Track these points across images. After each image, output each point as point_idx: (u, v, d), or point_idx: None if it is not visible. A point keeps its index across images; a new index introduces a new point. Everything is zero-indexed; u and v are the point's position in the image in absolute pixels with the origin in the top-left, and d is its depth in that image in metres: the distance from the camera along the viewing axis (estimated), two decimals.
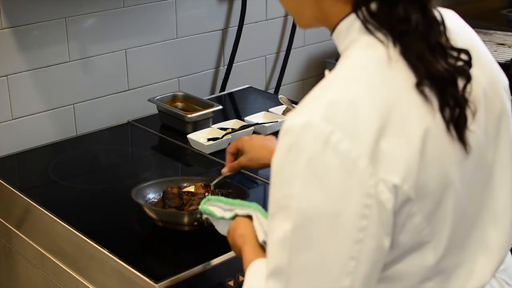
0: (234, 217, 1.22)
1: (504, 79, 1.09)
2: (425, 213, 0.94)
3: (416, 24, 0.92)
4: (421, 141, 0.91)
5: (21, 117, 2.01)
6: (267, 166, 1.53)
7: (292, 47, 2.53)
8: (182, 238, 1.48)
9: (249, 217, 1.19)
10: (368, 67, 0.93)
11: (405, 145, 0.90)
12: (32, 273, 1.73)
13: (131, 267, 1.39)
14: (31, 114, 2.02)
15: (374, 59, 0.93)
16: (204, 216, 1.36)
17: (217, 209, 1.28)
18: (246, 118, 2.06)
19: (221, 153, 1.87)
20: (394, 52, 0.93)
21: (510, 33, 2.77)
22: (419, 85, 0.92)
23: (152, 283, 1.34)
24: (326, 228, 0.88)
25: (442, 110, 0.93)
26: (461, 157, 0.96)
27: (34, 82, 2.00)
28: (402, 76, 0.92)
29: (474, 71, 0.98)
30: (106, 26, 2.09)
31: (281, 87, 2.57)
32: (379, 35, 0.94)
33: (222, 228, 1.27)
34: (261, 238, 1.12)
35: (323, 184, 0.88)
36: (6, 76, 1.95)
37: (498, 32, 2.79)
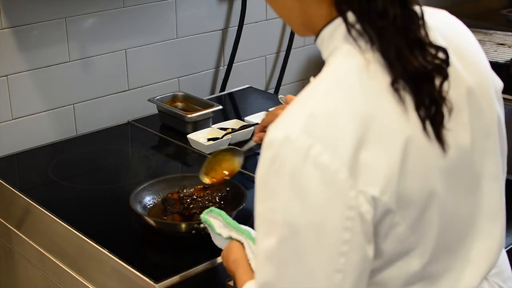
0: (229, 237, 1.24)
1: (497, 82, 1.08)
2: (409, 222, 0.93)
3: (394, 18, 0.91)
4: (402, 151, 0.90)
5: (21, 117, 2.01)
6: None
7: (292, 47, 2.53)
8: (182, 238, 1.48)
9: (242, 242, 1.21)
10: (348, 77, 0.92)
11: (385, 156, 0.89)
12: (32, 273, 1.73)
13: (131, 267, 1.39)
14: (31, 114, 2.02)
15: (353, 68, 0.92)
16: (202, 225, 1.38)
17: (217, 222, 1.30)
18: (246, 118, 2.06)
19: None
20: (372, 55, 0.92)
21: (510, 33, 2.77)
22: (393, 84, 0.91)
23: (152, 283, 1.34)
24: (311, 241, 0.88)
25: (417, 109, 0.92)
26: (442, 159, 0.95)
27: (34, 82, 2.00)
28: (379, 78, 0.91)
29: (458, 71, 0.96)
30: (106, 26, 2.09)
31: (281, 87, 2.57)
32: (361, 42, 0.93)
33: (218, 242, 1.29)
34: (254, 267, 1.12)
35: (305, 197, 0.87)
36: (6, 76, 1.95)
37: (498, 32, 2.78)
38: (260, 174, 0.91)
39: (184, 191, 1.58)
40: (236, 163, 1.64)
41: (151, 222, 1.50)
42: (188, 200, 1.54)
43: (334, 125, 0.88)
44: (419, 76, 0.91)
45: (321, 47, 1.00)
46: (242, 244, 1.20)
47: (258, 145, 1.64)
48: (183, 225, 1.46)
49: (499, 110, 1.07)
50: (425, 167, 0.93)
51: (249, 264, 1.14)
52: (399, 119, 0.91)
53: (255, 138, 1.63)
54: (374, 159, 0.88)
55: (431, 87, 0.92)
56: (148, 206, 1.57)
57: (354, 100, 0.90)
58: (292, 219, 0.88)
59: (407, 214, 0.92)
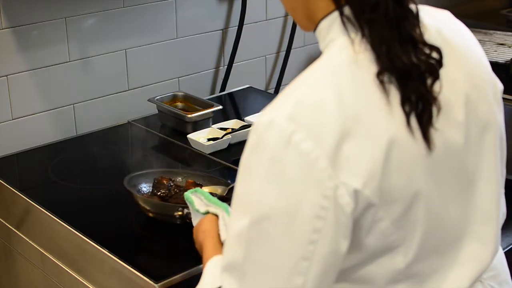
0: (206, 212, 1.25)
1: (498, 85, 1.07)
2: (393, 218, 0.93)
3: (385, 11, 0.91)
4: (386, 147, 0.90)
5: (21, 117, 2.01)
6: None
7: (292, 47, 2.53)
8: (182, 238, 1.48)
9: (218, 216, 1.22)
10: (338, 69, 0.93)
11: (368, 150, 0.89)
12: (32, 273, 1.73)
13: (131, 267, 1.39)
14: (31, 114, 2.02)
15: (345, 60, 0.93)
16: (186, 211, 1.39)
17: (198, 201, 1.31)
18: (246, 118, 2.06)
19: (221, 153, 1.87)
20: (362, 46, 0.92)
21: (510, 33, 2.77)
22: (379, 75, 0.91)
23: (152, 283, 1.34)
24: (282, 226, 0.89)
25: (403, 103, 0.91)
26: (427, 158, 0.94)
27: (34, 82, 2.00)
28: (366, 68, 0.91)
29: (452, 73, 0.96)
30: (106, 26, 2.09)
31: (281, 87, 2.57)
32: (353, 34, 0.94)
33: (195, 222, 1.29)
34: (223, 237, 1.14)
35: (282, 182, 0.89)
36: (6, 76, 1.95)
37: (498, 32, 2.78)
38: (244, 156, 0.93)
39: (177, 180, 1.60)
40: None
41: (140, 203, 1.51)
42: (176, 190, 1.55)
43: (320, 114, 0.89)
44: (406, 71, 0.91)
45: (319, 38, 1.01)
46: (218, 217, 1.20)
47: None
48: (169, 208, 1.48)
49: (498, 112, 1.06)
50: (409, 164, 0.93)
51: (219, 235, 1.14)
52: (385, 116, 0.91)
53: None
54: (358, 152, 0.89)
55: (419, 84, 0.92)
56: (143, 193, 1.58)
57: (342, 93, 0.90)
58: (266, 203, 0.89)
59: (391, 210, 0.93)
